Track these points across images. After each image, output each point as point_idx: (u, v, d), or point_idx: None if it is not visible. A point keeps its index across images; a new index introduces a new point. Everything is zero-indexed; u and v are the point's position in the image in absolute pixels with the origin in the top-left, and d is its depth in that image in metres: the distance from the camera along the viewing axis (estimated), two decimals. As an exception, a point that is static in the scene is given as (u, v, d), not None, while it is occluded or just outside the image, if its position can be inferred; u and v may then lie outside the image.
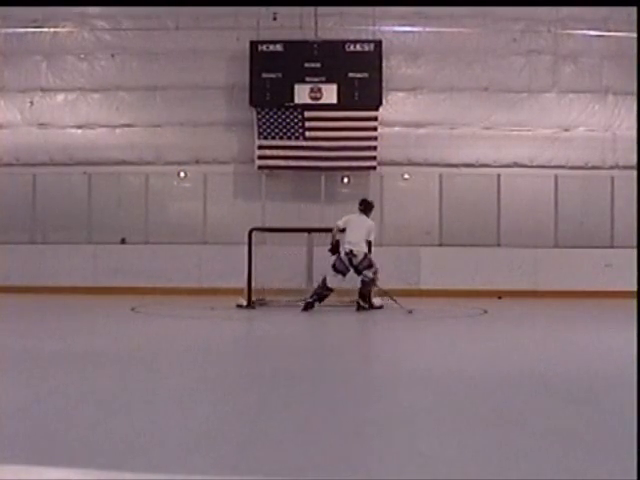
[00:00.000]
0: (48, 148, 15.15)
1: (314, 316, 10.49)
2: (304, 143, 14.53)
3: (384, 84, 14.53)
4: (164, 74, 15.05)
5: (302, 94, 14.43)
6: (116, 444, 3.45)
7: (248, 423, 3.95)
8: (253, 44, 14.53)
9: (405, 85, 15.04)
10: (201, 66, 15.00)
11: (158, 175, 15.21)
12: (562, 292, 13.63)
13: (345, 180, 15.13)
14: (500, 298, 13.39)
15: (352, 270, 10.79)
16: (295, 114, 14.46)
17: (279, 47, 14.49)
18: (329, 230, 11.09)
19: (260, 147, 14.64)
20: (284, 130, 14.51)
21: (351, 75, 14.38)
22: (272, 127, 14.51)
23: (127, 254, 14.46)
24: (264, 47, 14.51)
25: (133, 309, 10.93)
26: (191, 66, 15.01)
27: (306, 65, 14.43)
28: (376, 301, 11.07)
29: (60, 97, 15.29)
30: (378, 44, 14.52)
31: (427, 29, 15.03)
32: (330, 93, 14.41)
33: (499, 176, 14.90)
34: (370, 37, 14.68)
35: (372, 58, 14.44)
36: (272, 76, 14.40)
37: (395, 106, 15.01)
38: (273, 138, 14.56)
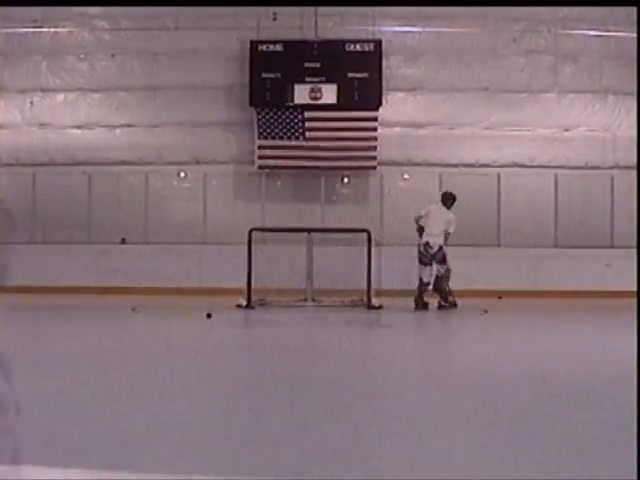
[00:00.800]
0: (48, 148, 15.12)
1: (315, 316, 10.48)
2: (304, 143, 14.51)
3: (384, 84, 14.51)
4: (164, 74, 15.02)
5: (302, 94, 14.41)
6: (116, 444, 3.45)
7: (248, 423, 3.95)
8: (253, 44, 14.51)
9: (405, 85, 15.02)
10: (201, 66, 14.97)
11: (158, 175, 15.19)
12: (562, 292, 13.61)
13: (345, 180, 15.10)
14: (500, 298, 13.37)
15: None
16: (295, 114, 14.45)
17: (279, 47, 14.47)
18: (329, 230, 11.13)
19: (260, 147, 14.62)
20: (284, 130, 14.49)
21: (351, 75, 14.36)
22: (272, 127, 14.50)
23: (127, 254, 14.44)
24: (264, 47, 14.49)
25: (133, 309, 10.93)
26: (191, 66, 14.99)
27: (306, 65, 14.40)
28: (376, 301, 11.08)
29: (60, 97, 15.27)
30: (378, 44, 14.50)
31: (427, 29, 15.01)
32: (330, 93, 14.39)
33: (499, 176, 14.89)
34: (370, 37, 14.65)
35: (372, 58, 14.42)
36: (272, 76, 14.37)
37: (395, 106, 14.99)
38: (273, 138, 14.54)
